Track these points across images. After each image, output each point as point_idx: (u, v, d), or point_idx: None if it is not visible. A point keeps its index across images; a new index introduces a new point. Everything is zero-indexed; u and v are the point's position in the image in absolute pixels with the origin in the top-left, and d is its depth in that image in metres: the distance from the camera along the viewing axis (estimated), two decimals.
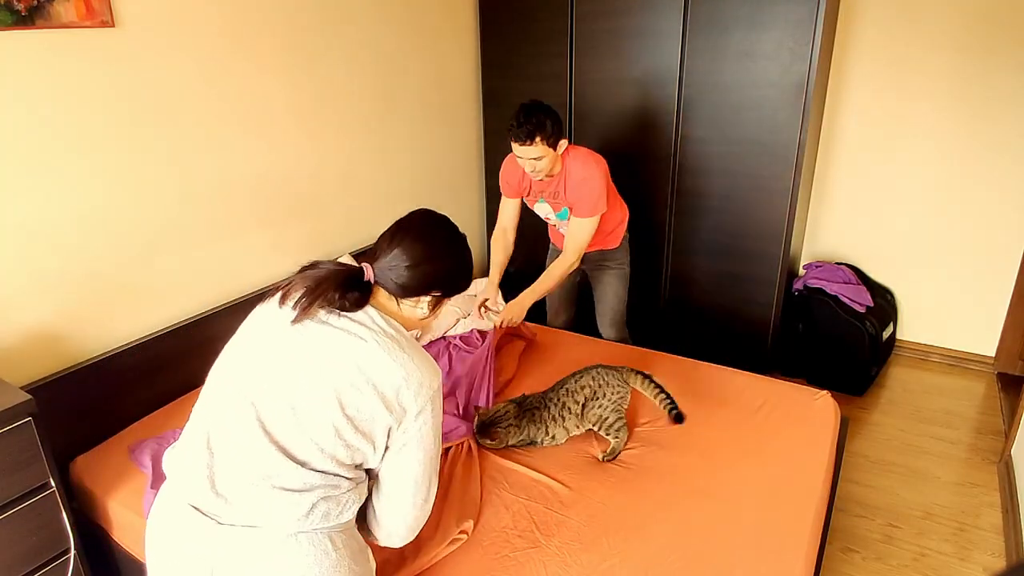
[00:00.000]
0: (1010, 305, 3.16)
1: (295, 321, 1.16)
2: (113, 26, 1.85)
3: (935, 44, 2.97)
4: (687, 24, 2.80)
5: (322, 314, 1.18)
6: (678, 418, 1.97)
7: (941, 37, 2.94)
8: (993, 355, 3.27)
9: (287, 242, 2.55)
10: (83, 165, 1.85)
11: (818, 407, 2.04)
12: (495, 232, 2.59)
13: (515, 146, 2.19)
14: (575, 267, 2.39)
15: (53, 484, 1.53)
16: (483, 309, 2.46)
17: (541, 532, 1.57)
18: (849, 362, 3.04)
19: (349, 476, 1.17)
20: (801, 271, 3.39)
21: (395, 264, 1.20)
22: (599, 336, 2.68)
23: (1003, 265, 3.12)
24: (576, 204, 2.33)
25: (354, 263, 1.24)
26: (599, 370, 1.98)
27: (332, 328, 1.17)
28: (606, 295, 2.64)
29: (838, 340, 3.03)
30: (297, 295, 1.16)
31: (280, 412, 1.13)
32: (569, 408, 1.90)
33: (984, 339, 3.28)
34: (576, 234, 2.34)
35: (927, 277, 3.31)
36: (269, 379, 1.14)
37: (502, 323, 2.31)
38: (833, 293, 3.07)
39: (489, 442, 1.83)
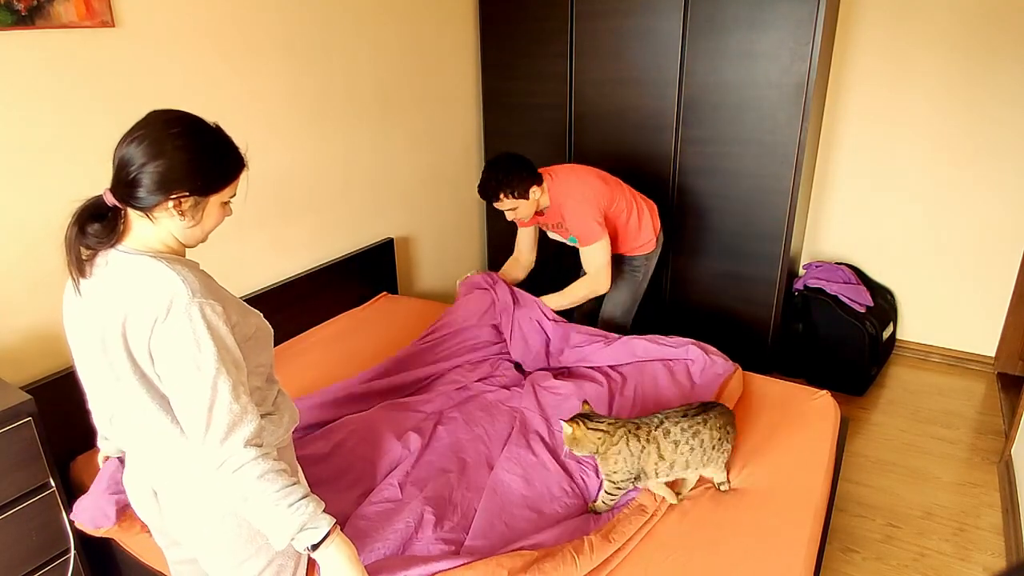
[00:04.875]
0: (1010, 305, 3.16)
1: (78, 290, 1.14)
2: (113, 26, 1.85)
3: (935, 44, 2.97)
4: (687, 24, 2.80)
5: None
6: None
7: (941, 37, 2.94)
8: (993, 355, 3.27)
9: (287, 242, 2.55)
10: (83, 165, 1.85)
11: (818, 407, 2.04)
12: (509, 260, 2.68)
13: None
14: (600, 292, 2.43)
15: (53, 484, 1.54)
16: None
17: None
18: (849, 362, 3.04)
19: None
20: (801, 271, 3.38)
21: (124, 175, 1.08)
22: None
23: (1003, 265, 3.12)
24: (576, 235, 2.39)
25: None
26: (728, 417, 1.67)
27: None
28: (611, 295, 2.65)
29: (838, 340, 3.03)
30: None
31: None
32: (703, 441, 1.58)
33: (984, 339, 3.27)
34: (589, 262, 2.39)
35: (927, 277, 3.31)
36: None
37: None
38: (833, 293, 3.07)
39: (569, 431, 1.58)
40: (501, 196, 2.27)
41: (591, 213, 2.32)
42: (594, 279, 2.39)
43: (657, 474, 1.59)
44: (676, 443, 1.58)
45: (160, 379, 1.11)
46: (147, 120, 1.10)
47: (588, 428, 1.57)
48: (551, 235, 2.61)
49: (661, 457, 1.57)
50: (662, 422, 1.60)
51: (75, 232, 1.09)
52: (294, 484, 1.11)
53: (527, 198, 2.29)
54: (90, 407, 1.27)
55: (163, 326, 1.06)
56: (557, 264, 3.00)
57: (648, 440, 1.57)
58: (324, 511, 1.13)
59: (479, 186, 2.29)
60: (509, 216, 2.37)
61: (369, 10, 2.72)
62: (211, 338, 1.07)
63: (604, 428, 1.58)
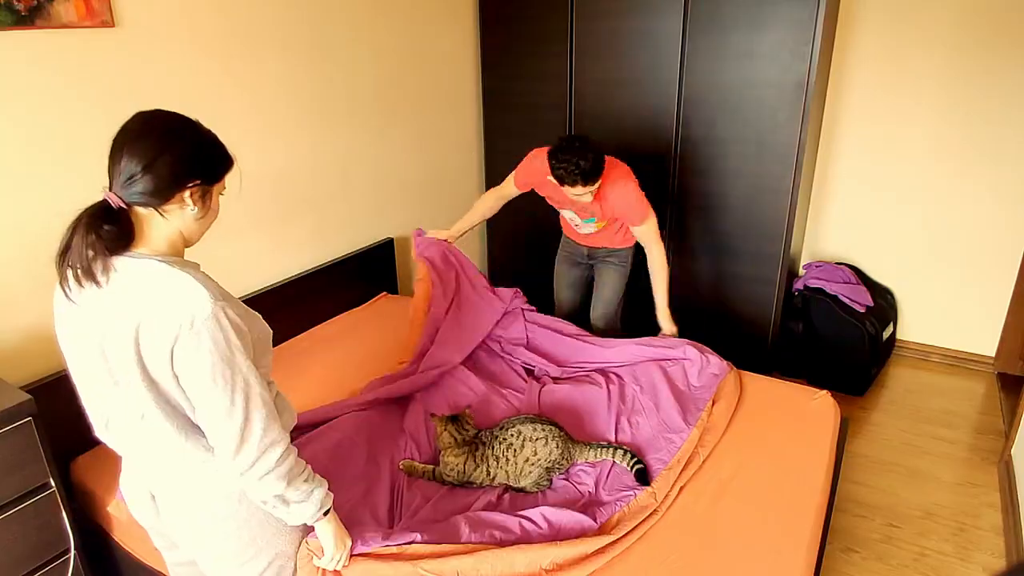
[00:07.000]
0: (1010, 305, 3.16)
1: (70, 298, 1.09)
2: (113, 26, 1.85)
3: (935, 44, 2.97)
4: (687, 24, 2.80)
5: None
6: (640, 476, 1.71)
7: (941, 37, 2.94)
8: (993, 355, 3.27)
9: (286, 242, 2.55)
10: (83, 165, 1.85)
11: (818, 407, 2.04)
12: (488, 194, 2.52)
13: (563, 186, 2.15)
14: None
15: (53, 484, 1.54)
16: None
17: None
18: (849, 362, 3.04)
19: None
20: (801, 271, 3.38)
21: (132, 173, 1.06)
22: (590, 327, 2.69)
23: (1003, 265, 3.12)
24: (627, 217, 2.39)
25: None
26: (554, 432, 1.77)
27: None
28: (603, 288, 2.69)
29: (838, 340, 3.03)
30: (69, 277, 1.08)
31: None
32: (515, 450, 1.73)
33: (984, 339, 3.27)
34: (648, 239, 2.41)
35: (927, 277, 3.31)
36: None
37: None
38: (833, 293, 3.07)
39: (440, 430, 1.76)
40: (587, 183, 2.11)
41: (639, 193, 2.34)
42: (661, 251, 2.42)
43: (483, 483, 1.74)
44: (498, 459, 1.74)
45: (179, 381, 1.10)
46: (138, 120, 1.10)
47: (448, 430, 1.74)
48: (565, 214, 2.54)
49: (488, 471, 1.73)
50: (499, 442, 1.75)
51: (91, 237, 1.05)
52: (309, 473, 1.24)
53: (597, 184, 2.18)
54: (86, 411, 1.26)
55: (190, 333, 1.06)
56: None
57: (480, 460, 1.73)
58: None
59: (568, 169, 2.05)
60: (573, 196, 2.21)
61: (369, 10, 2.72)
62: (238, 337, 1.10)
63: (462, 437, 1.74)
